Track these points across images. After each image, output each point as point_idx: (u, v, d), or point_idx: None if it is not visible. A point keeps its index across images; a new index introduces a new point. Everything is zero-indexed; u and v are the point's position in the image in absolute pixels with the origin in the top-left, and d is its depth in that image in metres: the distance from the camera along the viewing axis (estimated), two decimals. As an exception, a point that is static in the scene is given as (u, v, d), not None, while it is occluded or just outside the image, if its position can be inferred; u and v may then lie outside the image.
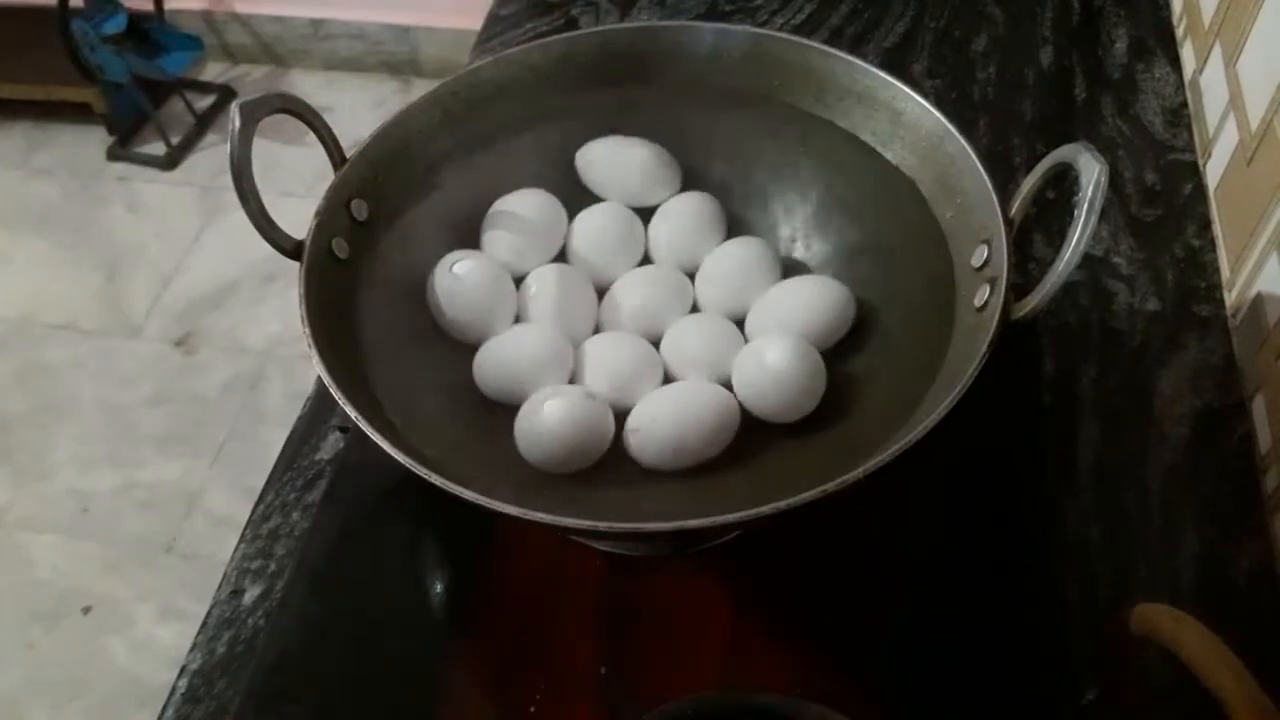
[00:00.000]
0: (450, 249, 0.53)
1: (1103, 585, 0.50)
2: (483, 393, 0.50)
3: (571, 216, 0.55)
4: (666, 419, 0.48)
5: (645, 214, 0.56)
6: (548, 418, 0.47)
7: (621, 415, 0.49)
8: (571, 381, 0.50)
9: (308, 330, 0.45)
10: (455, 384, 0.51)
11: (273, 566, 0.53)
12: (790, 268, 0.55)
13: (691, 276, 0.54)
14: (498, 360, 0.50)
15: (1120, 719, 0.46)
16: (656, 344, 0.52)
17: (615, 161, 0.56)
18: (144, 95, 1.79)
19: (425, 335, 0.52)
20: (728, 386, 0.49)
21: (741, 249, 0.54)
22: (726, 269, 0.53)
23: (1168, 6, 0.77)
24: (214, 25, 1.95)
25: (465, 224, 0.55)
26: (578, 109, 0.57)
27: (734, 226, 0.56)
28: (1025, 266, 0.62)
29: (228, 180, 0.45)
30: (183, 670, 0.50)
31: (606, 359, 0.50)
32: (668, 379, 0.50)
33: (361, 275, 0.50)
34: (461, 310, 0.51)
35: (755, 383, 0.48)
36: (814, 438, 0.48)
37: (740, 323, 0.52)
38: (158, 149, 1.83)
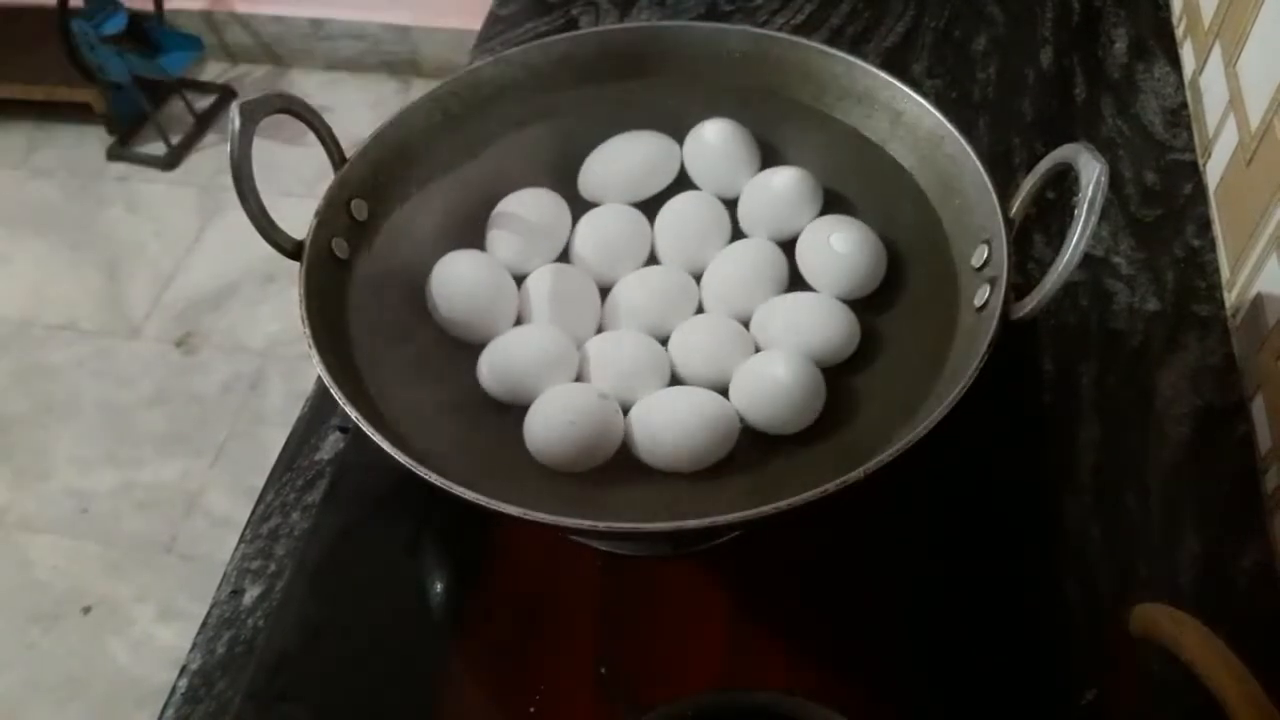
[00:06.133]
0: (450, 249, 0.53)
1: (1103, 585, 0.50)
2: (487, 392, 0.50)
3: (574, 215, 0.55)
4: (666, 425, 0.47)
5: (651, 214, 0.56)
6: (560, 417, 0.47)
7: (625, 412, 0.49)
8: (576, 380, 0.50)
9: (308, 330, 0.45)
10: (455, 383, 0.51)
11: (273, 566, 0.53)
12: (794, 268, 0.55)
13: (697, 278, 0.54)
14: (503, 360, 0.50)
15: (1120, 719, 0.46)
16: (662, 344, 0.51)
17: (616, 163, 0.56)
18: (144, 95, 1.79)
19: (425, 335, 0.52)
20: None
21: (748, 250, 0.54)
22: (733, 270, 0.53)
23: (1168, 6, 0.77)
24: (214, 25, 1.95)
25: (465, 224, 0.55)
26: (578, 109, 0.57)
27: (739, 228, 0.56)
28: (1025, 266, 0.62)
29: (228, 180, 0.45)
30: (183, 670, 0.50)
31: (611, 357, 0.50)
32: (674, 379, 0.50)
33: (362, 275, 0.50)
34: (462, 310, 0.51)
35: (756, 397, 0.48)
36: (815, 439, 0.48)
37: (745, 324, 0.52)
38: (158, 149, 1.83)
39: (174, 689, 0.49)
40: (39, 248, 1.74)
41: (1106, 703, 0.45)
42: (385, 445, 0.41)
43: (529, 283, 0.53)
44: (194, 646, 0.51)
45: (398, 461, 0.41)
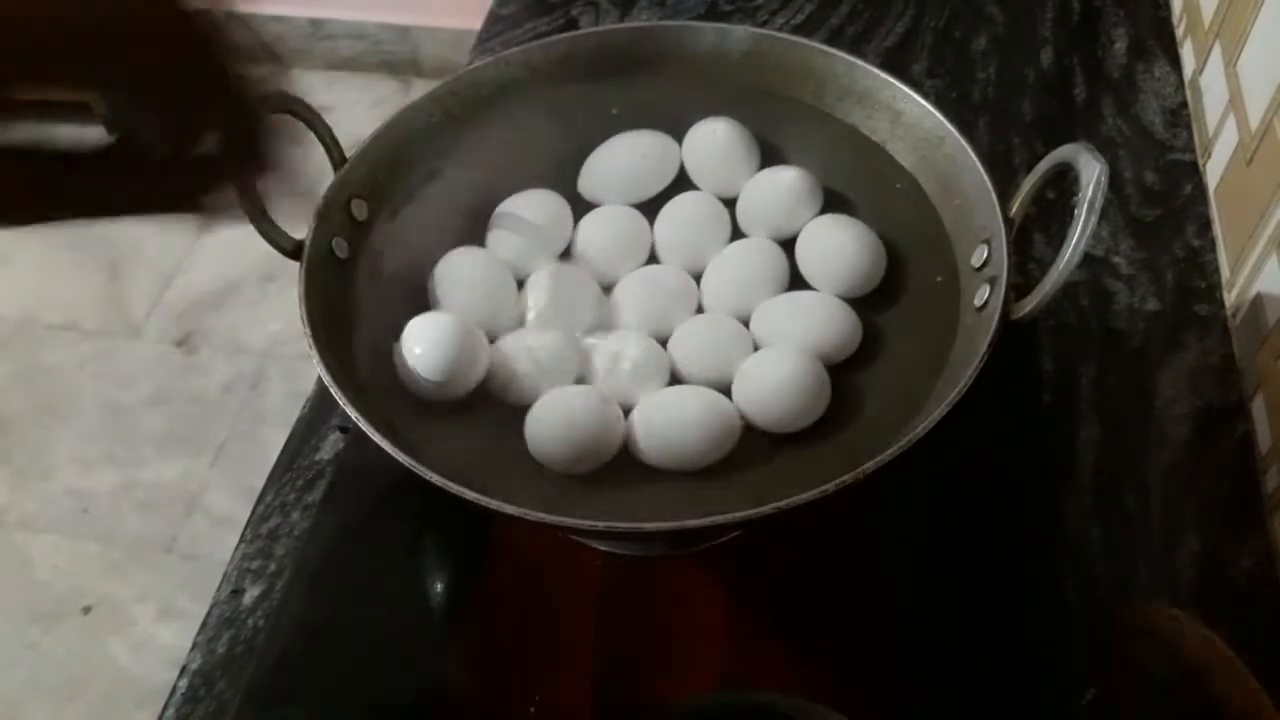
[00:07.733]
0: (451, 248, 0.53)
1: (1103, 585, 0.50)
2: (488, 393, 0.50)
3: (574, 215, 0.55)
4: (667, 425, 0.47)
5: (651, 214, 0.55)
6: (561, 418, 0.47)
7: (625, 411, 0.49)
8: (578, 382, 0.50)
9: (308, 330, 0.45)
10: (455, 384, 0.51)
11: (273, 566, 0.53)
12: (794, 268, 0.55)
13: (697, 277, 0.54)
14: (504, 361, 0.50)
15: (1120, 719, 0.46)
16: (662, 344, 0.51)
17: (616, 163, 0.56)
18: (144, 95, 1.79)
19: (425, 335, 0.52)
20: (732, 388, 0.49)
21: (748, 250, 0.53)
22: (733, 270, 0.53)
23: (1168, 6, 0.77)
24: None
25: (466, 223, 0.55)
26: (577, 109, 0.57)
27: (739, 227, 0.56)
28: (1025, 266, 0.62)
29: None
30: (183, 670, 0.50)
31: (612, 357, 0.50)
32: (675, 378, 0.50)
33: (362, 275, 0.50)
34: (463, 310, 0.51)
35: (759, 395, 0.48)
36: (815, 440, 0.48)
37: (745, 323, 0.52)
38: (158, 149, 1.84)
39: (174, 689, 0.49)
40: (39, 248, 1.74)
41: (1106, 703, 0.45)
42: (385, 445, 0.41)
43: (530, 283, 0.53)
44: (194, 646, 0.51)
45: (398, 461, 0.41)
